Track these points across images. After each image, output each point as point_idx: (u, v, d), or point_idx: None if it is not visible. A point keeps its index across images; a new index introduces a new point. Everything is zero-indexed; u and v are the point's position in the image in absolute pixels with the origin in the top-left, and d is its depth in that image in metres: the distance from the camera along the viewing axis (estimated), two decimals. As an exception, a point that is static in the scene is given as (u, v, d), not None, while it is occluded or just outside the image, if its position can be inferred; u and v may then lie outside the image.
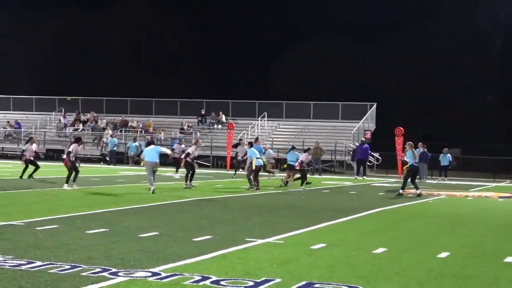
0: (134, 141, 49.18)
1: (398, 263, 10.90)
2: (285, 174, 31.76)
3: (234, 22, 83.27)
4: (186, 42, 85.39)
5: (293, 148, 32.37)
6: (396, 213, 19.88)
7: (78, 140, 26.80)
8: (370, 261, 11.01)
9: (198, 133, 56.08)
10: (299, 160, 29.81)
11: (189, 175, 27.98)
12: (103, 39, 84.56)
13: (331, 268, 10.21)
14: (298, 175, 30.71)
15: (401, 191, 26.72)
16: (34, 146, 30.88)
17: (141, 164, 28.87)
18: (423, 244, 13.29)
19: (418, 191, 26.70)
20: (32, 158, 30.28)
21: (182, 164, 29.44)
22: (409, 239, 13.86)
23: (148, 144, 27.35)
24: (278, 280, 9.17)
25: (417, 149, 40.91)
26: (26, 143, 31.59)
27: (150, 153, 25.54)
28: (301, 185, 29.76)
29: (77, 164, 25.70)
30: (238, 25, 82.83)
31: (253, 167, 27.86)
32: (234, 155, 42.09)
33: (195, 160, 29.26)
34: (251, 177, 27.94)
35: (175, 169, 35.61)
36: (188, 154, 28.48)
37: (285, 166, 32.87)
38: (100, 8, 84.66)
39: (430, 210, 21.10)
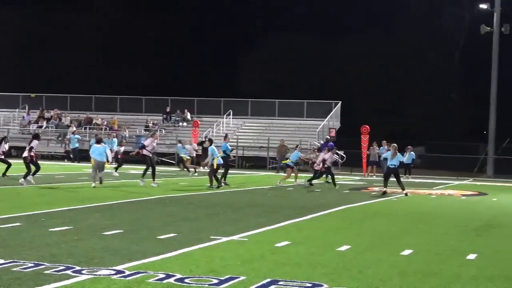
0: (98, 143, 48.77)
1: (362, 260, 10.95)
2: (286, 174, 31.96)
3: (200, 20, 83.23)
4: (150, 39, 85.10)
5: (296, 147, 32.84)
6: (361, 210, 19.99)
7: (37, 137, 27.44)
8: (334, 258, 11.06)
9: (163, 130, 55.91)
10: (321, 159, 29.79)
11: (148, 170, 27.53)
12: (68, 35, 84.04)
13: (296, 266, 10.24)
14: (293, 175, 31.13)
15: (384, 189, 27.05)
16: (6, 146, 30.60)
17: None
18: (387, 241, 13.38)
19: (384, 189, 26.93)
20: (2, 157, 30.06)
21: (140, 158, 29.13)
22: (373, 237, 13.95)
23: (98, 142, 27.89)
24: (242, 277, 9.19)
25: (381, 147, 41.29)
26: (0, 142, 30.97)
27: (99, 151, 26.54)
28: (334, 185, 29.62)
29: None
30: (204, 23, 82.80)
31: (214, 166, 27.46)
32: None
33: (154, 155, 28.96)
34: (212, 175, 27.53)
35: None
36: (143, 146, 28.14)
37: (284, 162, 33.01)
38: (64, 3, 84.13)
39: (394, 208, 21.25)
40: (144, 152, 27.84)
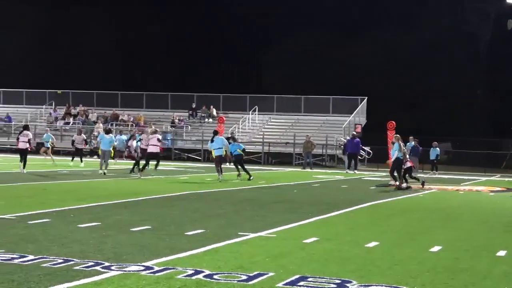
0: (107, 133, 48.96)
1: (391, 257, 10.89)
2: None
3: (226, 16, 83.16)
4: (176, 35, 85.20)
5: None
6: (388, 207, 19.90)
7: (28, 128, 31.44)
8: (362, 255, 11.01)
9: (189, 126, 56.02)
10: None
11: (140, 162, 30.56)
12: (93, 31, 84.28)
13: (324, 262, 10.20)
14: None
15: (397, 182, 27.00)
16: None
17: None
18: (415, 238, 13.30)
19: (397, 183, 27.06)
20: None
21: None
22: (401, 233, 13.87)
23: (107, 132, 31.91)
24: (271, 274, 9.16)
25: (408, 143, 41.12)
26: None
27: (107, 141, 30.90)
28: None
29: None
30: (229, 19, 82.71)
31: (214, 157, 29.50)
32: None
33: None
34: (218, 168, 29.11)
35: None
36: (139, 140, 30.79)
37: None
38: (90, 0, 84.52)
39: (422, 204, 21.13)
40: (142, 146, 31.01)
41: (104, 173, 29.70)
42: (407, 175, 28.13)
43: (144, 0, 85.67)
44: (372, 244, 12.12)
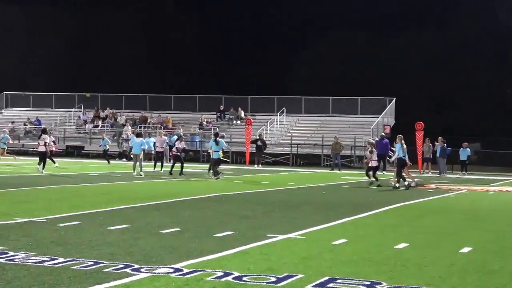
0: (138, 137, 49.17)
1: (420, 258, 10.85)
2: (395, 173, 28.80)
3: (253, 18, 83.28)
4: (204, 37, 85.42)
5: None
6: (417, 208, 19.82)
7: (46, 131, 33.92)
8: (392, 256, 10.98)
9: (217, 128, 56.14)
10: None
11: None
12: (121, 34, 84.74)
13: (353, 264, 10.19)
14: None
15: (397, 184, 27.39)
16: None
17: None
18: (445, 239, 13.25)
19: (398, 185, 27.29)
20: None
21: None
22: (431, 234, 13.82)
23: (137, 136, 32.86)
24: (300, 275, 9.17)
25: (437, 144, 41.00)
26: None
27: (137, 145, 31.89)
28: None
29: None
30: (256, 21, 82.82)
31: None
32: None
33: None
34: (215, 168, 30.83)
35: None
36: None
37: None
38: (116, 1, 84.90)
39: (451, 205, 21.03)
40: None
41: (141, 175, 30.71)
42: (370, 172, 29.34)
43: (172, 3, 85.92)
44: (402, 245, 12.09)
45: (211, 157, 31.45)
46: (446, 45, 75.70)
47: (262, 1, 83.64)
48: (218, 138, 31.27)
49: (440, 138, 41.25)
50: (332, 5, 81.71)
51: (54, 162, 38.13)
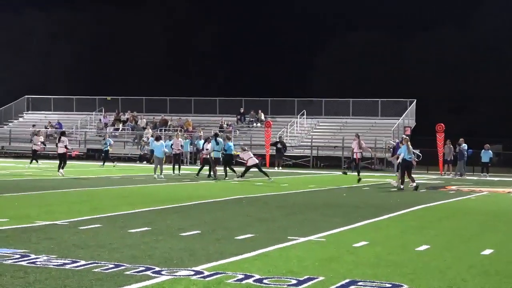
0: (158, 140, 49.28)
1: (442, 260, 10.80)
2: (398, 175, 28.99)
3: (272, 21, 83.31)
4: (224, 40, 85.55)
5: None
6: (438, 210, 19.73)
7: (64, 134, 34.77)
8: (413, 258, 10.93)
9: (238, 131, 56.16)
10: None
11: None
12: (141, 38, 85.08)
13: (374, 266, 10.15)
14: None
15: (401, 186, 27.49)
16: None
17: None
18: (467, 241, 13.18)
19: (402, 186, 27.40)
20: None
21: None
22: (452, 236, 13.76)
23: (157, 139, 33.53)
24: (321, 278, 9.14)
25: (462, 145, 40.89)
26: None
27: (159, 149, 32.51)
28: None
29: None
30: (276, 24, 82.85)
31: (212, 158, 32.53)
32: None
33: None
34: (215, 168, 32.19)
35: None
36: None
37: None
38: (136, 5, 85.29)
39: (473, 207, 20.94)
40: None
41: (161, 178, 31.19)
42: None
43: (192, 7, 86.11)
44: (423, 247, 12.04)
45: (213, 157, 32.60)
46: (467, 46, 75.38)
47: (282, 3, 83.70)
48: (218, 138, 32.63)
49: (461, 139, 41.26)
50: (353, 7, 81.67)
51: (37, 162, 40.48)
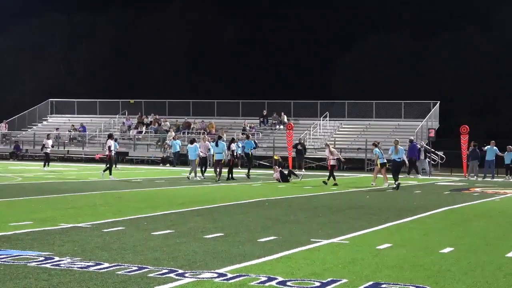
0: (192, 143, 49.42)
1: (466, 262, 10.76)
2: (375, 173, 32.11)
3: (296, 24, 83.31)
4: (246, 42, 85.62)
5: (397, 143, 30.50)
6: (462, 212, 19.63)
7: (112, 137, 34.16)
8: (437, 261, 10.89)
9: (260, 133, 56.14)
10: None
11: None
12: (164, 41, 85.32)
13: (398, 268, 10.12)
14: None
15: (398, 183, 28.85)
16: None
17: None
18: (491, 243, 13.10)
19: (395, 184, 28.64)
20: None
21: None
22: (476, 238, 13.68)
23: (191, 142, 34.79)
24: (344, 280, 9.13)
25: (489, 147, 40.66)
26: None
27: (192, 151, 33.85)
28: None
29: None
30: (299, 26, 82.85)
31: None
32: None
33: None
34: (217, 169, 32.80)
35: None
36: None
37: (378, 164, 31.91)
38: (158, 8, 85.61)
39: (497, 209, 20.83)
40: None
41: (196, 179, 32.48)
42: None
43: (215, 9, 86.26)
44: (447, 249, 11.99)
45: (215, 159, 33.72)
46: (491, 47, 74.96)
47: (305, 5, 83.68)
48: (219, 141, 33.49)
49: (492, 142, 41.16)
50: (375, 9, 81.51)
51: (48, 166, 40.36)
